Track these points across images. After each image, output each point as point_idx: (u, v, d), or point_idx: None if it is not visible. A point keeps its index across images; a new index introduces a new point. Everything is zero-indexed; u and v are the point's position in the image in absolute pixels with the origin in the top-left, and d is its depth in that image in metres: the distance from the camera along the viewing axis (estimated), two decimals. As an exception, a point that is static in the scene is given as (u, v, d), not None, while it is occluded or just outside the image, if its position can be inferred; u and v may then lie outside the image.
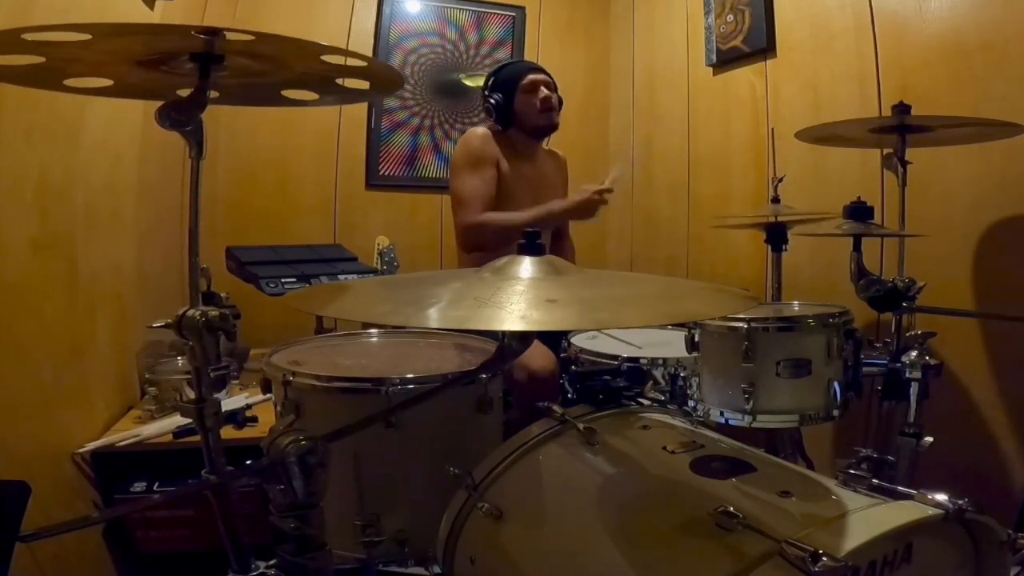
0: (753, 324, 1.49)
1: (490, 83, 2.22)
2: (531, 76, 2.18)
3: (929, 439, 1.49)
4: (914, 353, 1.54)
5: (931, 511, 0.74)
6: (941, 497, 0.76)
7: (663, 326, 1.98)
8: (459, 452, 1.20)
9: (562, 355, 1.85)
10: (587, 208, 2.07)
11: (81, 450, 1.76)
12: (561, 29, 3.47)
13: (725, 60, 2.75)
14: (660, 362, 1.70)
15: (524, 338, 1.03)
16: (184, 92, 1.05)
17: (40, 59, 0.95)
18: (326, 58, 1.04)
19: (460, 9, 3.25)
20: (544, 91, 2.17)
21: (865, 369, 1.56)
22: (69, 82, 1.08)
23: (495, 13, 3.32)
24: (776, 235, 2.01)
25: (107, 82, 1.10)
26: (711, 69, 2.84)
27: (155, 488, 1.80)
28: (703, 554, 0.78)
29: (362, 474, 1.18)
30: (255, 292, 1.94)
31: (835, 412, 1.51)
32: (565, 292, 0.89)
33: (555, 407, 1.11)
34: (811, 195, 2.24)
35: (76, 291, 1.81)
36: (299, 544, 0.84)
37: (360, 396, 1.25)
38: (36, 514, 1.30)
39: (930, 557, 0.78)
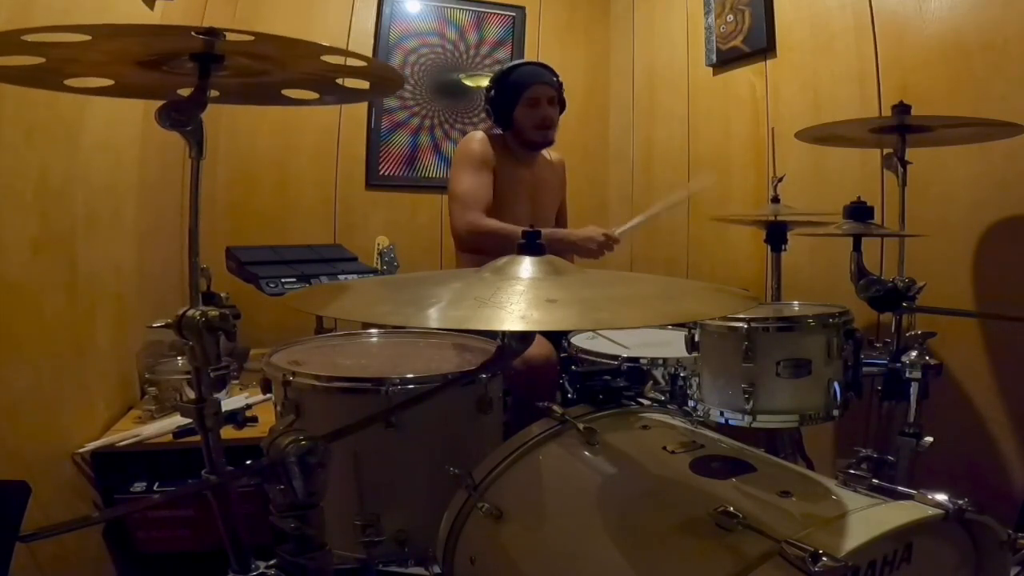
0: (753, 324, 1.49)
1: (495, 84, 2.20)
2: (536, 89, 2.15)
3: (929, 439, 1.49)
4: (914, 353, 1.54)
5: (931, 511, 0.74)
6: (941, 497, 0.76)
7: (663, 326, 1.98)
8: (459, 452, 1.20)
9: (562, 355, 1.85)
10: (592, 249, 2.05)
11: (81, 450, 1.76)
12: (561, 29, 3.47)
13: (725, 60, 2.75)
14: (660, 362, 1.70)
15: (524, 338, 1.03)
16: (184, 92, 1.06)
17: (40, 59, 0.95)
18: (326, 58, 1.04)
19: (460, 9, 3.25)
20: (546, 108, 2.16)
21: (865, 369, 1.56)
22: (69, 82, 1.08)
23: (495, 13, 3.32)
24: (776, 235, 2.01)
25: (107, 82, 1.10)
26: (711, 69, 2.84)
27: (155, 488, 1.80)
28: (703, 554, 0.78)
29: (362, 474, 1.18)
30: (255, 292, 1.94)
31: (835, 412, 1.51)
32: (565, 292, 0.89)
33: (555, 407, 1.11)
34: (811, 195, 2.23)
35: (76, 291, 1.81)
36: (299, 544, 0.84)
37: (360, 396, 1.25)
38: (36, 514, 1.31)
39: (930, 557, 0.78)
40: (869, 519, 0.74)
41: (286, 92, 1.23)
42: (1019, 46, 1.70)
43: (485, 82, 2.30)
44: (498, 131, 2.23)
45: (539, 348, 1.79)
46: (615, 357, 1.71)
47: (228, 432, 1.79)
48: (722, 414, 1.55)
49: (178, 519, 1.78)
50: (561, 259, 1.01)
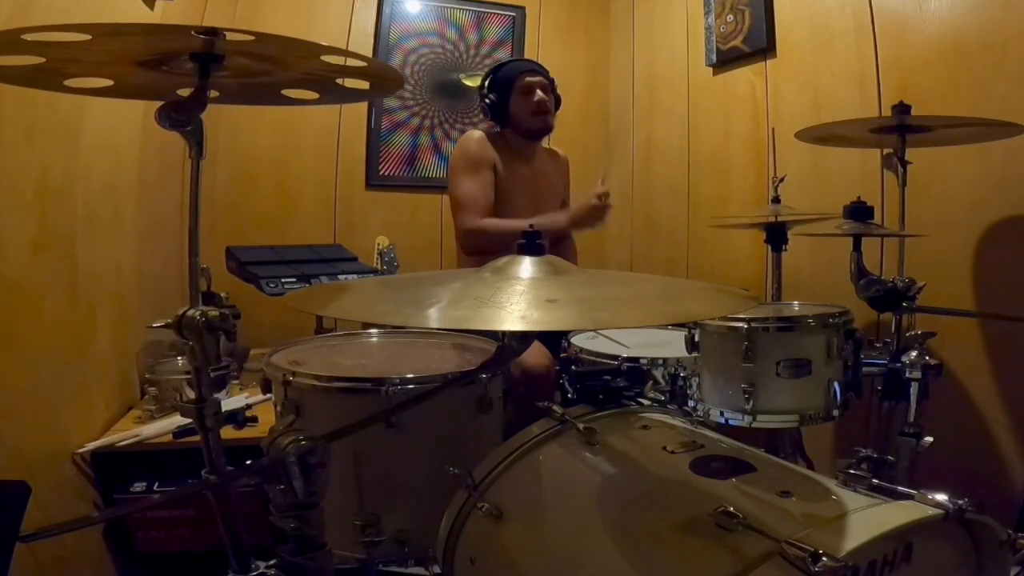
0: (753, 324, 1.49)
1: (487, 82, 2.22)
2: (527, 78, 2.17)
3: (929, 439, 1.49)
4: (914, 353, 1.54)
5: (931, 511, 0.74)
6: (941, 497, 0.76)
7: (663, 326, 1.98)
8: (459, 452, 1.20)
9: (562, 355, 1.85)
10: (592, 216, 2.06)
11: (81, 450, 1.76)
12: (561, 29, 3.47)
13: (725, 60, 2.75)
14: (660, 362, 1.70)
15: (524, 338, 1.03)
16: (184, 92, 1.06)
17: (40, 59, 0.95)
18: (326, 58, 1.04)
19: (460, 9, 3.25)
20: (539, 93, 2.16)
21: (865, 369, 1.56)
22: (69, 82, 1.08)
23: (495, 13, 3.32)
24: (776, 235, 2.01)
25: (107, 82, 1.10)
26: (711, 69, 2.84)
27: (155, 488, 1.80)
28: (703, 554, 0.78)
29: (362, 474, 1.18)
30: (255, 292, 1.94)
31: (835, 412, 1.51)
32: (565, 292, 0.89)
33: (555, 407, 1.11)
34: (811, 195, 2.24)
35: (76, 291, 1.81)
36: (299, 544, 0.84)
37: (360, 396, 1.25)
38: (36, 514, 1.31)
39: (930, 557, 0.78)
40: (869, 519, 0.74)
41: (286, 92, 1.23)
42: (1019, 46, 1.70)
43: (484, 82, 2.31)
44: (497, 130, 2.23)
45: (537, 358, 1.80)
46: (615, 357, 1.71)
47: (228, 432, 1.79)
48: (722, 414, 1.55)
49: (178, 519, 1.79)
50: (561, 259, 1.01)
